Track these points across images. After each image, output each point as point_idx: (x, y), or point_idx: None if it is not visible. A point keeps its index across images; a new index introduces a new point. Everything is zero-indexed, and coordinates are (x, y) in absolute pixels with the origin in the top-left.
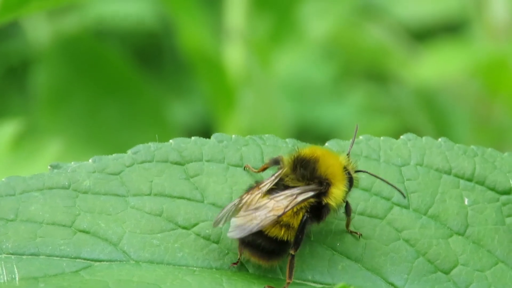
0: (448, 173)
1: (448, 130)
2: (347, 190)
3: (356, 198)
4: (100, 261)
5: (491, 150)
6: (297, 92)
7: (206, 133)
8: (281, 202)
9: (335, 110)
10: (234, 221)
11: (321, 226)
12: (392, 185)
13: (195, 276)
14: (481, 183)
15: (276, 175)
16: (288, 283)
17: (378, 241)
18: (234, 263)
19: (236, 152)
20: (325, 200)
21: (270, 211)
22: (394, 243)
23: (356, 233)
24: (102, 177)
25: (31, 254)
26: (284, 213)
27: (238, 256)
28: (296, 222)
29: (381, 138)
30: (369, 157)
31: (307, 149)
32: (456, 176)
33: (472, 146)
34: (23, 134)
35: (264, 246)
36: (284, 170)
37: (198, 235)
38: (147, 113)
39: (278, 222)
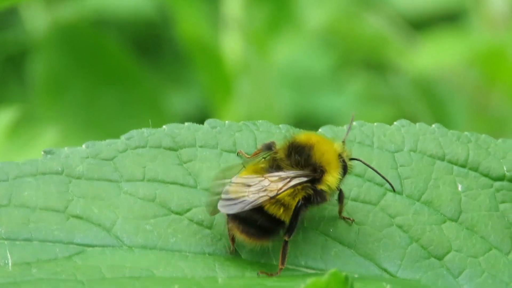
0: (442, 159)
1: (446, 119)
2: (341, 177)
3: (350, 184)
4: (93, 246)
5: (485, 136)
6: (295, 82)
7: (203, 122)
8: (276, 184)
9: (334, 99)
10: (226, 191)
11: (314, 212)
12: (383, 177)
13: (188, 262)
14: (475, 169)
15: (270, 155)
16: (281, 269)
17: (371, 227)
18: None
19: (230, 138)
20: (319, 187)
21: (263, 190)
22: (387, 229)
23: (349, 219)
24: (95, 162)
25: (24, 240)
26: (277, 195)
27: (227, 234)
28: (293, 204)
29: (375, 124)
30: (363, 143)
31: (302, 136)
32: (450, 162)
33: (466, 133)
34: (21, 122)
35: (258, 223)
36: (278, 154)
37: (191, 220)
38: (144, 102)
39: (278, 200)
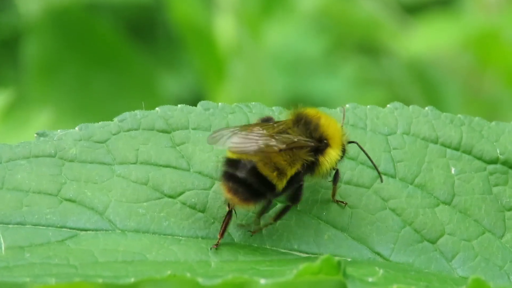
0: (435, 142)
1: (439, 102)
2: (341, 156)
3: (343, 167)
4: (86, 230)
5: (478, 119)
6: (289, 65)
7: (197, 105)
8: (283, 141)
9: (327, 83)
10: (235, 138)
11: (307, 195)
12: (375, 166)
13: (181, 246)
14: (468, 152)
15: (279, 121)
16: (271, 223)
17: (364, 210)
18: (215, 245)
19: (223, 120)
20: (320, 158)
21: (272, 142)
22: (380, 213)
23: (342, 202)
24: (88, 145)
25: (17, 223)
26: (286, 148)
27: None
28: (289, 172)
29: (368, 106)
30: (356, 126)
31: (310, 109)
32: (443, 145)
33: (459, 115)
34: (14, 105)
35: (248, 182)
36: (285, 122)
37: (184, 204)
38: (138, 84)
39: (274, 164)
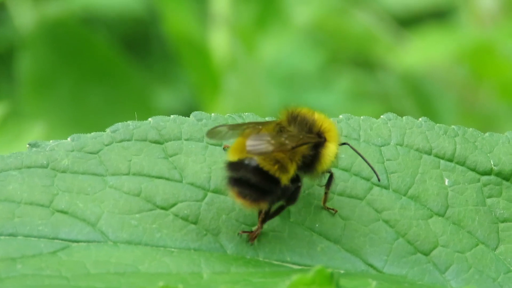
0: (429, 153)
1: (434, 115)
2: (337, 153)
3: (336, 178)
4: (78, 241)
5: (472, 130)
6: (284, 79)
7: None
8: (289, 139)
9: (322, 96)
10: (249, 141)
11: (299, 206)
12: (370, 165)
13: (173, 257)
14: (462, 163)
15: (272, 121)
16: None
17: (357, 222)
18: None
19: None
20: (321, 151)
21: (285, 140)
22: (373, 224)
23: (332, 209)
24: (80, 156)
25: (9, 235)
26: (296, 146)
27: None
28: (290, 166)
29: (361, 117)
30: (349, 137)
31: (302, 107)
32: (437, 156)
33: (453, 126)
34: (8, 118)
35: (252, 182)
36: (282, 121)
37: (176, 215)
38: (132, 99)
39: (274, 157)
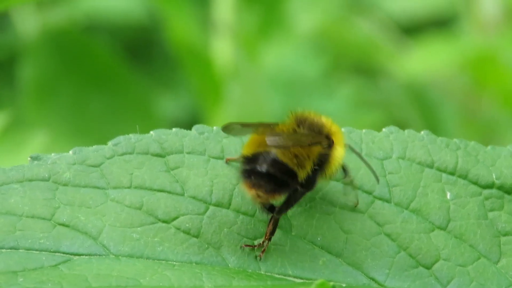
0: (431, 166)
1: (437, 124)
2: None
3: (338, 192)
4: (79, 255)
5: (474, 144)
6: (286, 86)
7: (192, 128)
8: (305, 136)
9: (325, 104)
10: (269, 137)
11: (301, 220)
12: (370, 167)
13: (175, 271)
14: (464, 176)
15: (282, 124)
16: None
17: (359, 235)
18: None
19: (217, 144)
20: (332, 153)
21: (300, 137)
22: (375, 238)
23: (354, 202)
24: (82, 169)
25: (11, 248)
26: (312, 144)
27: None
28: (308, 165)
29: (363, 130)
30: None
31: (307, 111)
32: (439, 169)
33: (455, 140)
34: (10, 126)
35: (273, 173)
36: (291, 124)
37: (178, 229)
38: (134, 107)
39: (293, 152)
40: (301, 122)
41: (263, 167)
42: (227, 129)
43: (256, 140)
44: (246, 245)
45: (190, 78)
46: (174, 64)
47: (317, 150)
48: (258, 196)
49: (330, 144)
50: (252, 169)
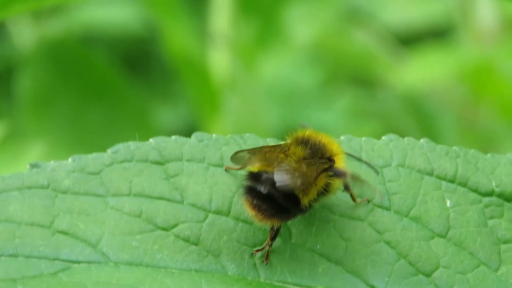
0: (430, 174)
1: (434, 134)
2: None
3: (337, 200)
4: (79, 262)
5: (473, 151)
6: (284, 98)
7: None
8: (310, 169)
9: (322, 115)
10: (278, 175)
11: (301, 228)
12: (370, 166)
13: (174, 278)
14: (464, 184)
15: (284, 146)
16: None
17: (359, 243)
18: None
19: (217, 152)
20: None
21: (307, 171)
22: (375, 245)
23: (365, 200)
24: (81, 176)
25: (10, 255)
26: (317, 175)
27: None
28: (313, 192)
29: (363, 138)
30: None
31: (306, 131)
32: (438, 177)
33: (454, 147)
34: (8, 137)
35: (277, 199)
36: (293, 146)
37: (177, 236)
38: (132, 118)
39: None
40: (303, 143)
41: (266, 189)
42: (236, 159)
43: (263, 156)
44: (257, 250)
45: (188, 89)
46: (171, 75)
47: (323, 180)
48: (257, 218)
49: (333, 165)
50: (255, 189)
